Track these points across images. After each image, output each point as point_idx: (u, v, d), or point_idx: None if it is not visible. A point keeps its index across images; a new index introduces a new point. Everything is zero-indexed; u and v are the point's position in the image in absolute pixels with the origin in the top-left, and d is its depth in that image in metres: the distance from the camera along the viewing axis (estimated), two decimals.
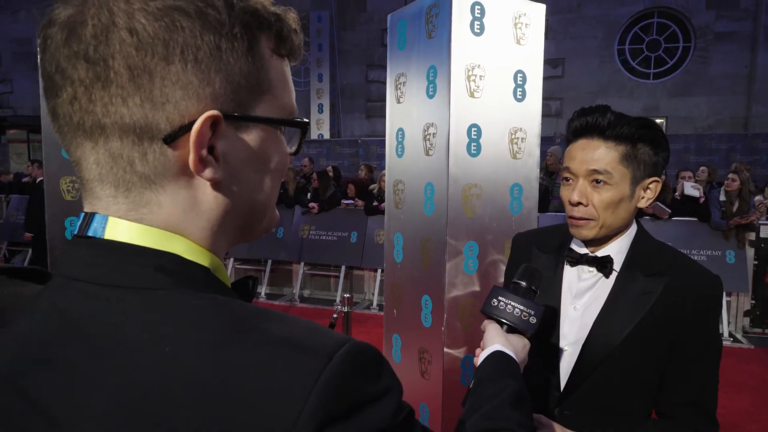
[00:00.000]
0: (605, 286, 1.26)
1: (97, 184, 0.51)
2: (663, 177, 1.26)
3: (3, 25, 15.35)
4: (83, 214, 0.53)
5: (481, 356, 1.01)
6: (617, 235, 1.27)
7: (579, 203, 1.20)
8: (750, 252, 5.97)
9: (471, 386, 0.96)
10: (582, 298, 1.28)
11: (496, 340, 1.01)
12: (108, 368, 0.45)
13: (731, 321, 6.05)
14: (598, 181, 1.18)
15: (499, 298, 1.06)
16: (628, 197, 1.20)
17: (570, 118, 1.25)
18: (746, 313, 6.07)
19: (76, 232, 0.53)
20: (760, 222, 5.89)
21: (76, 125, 0.49)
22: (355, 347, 0.46)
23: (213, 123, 0.49)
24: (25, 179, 8.86)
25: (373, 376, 0.47)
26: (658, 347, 1.21)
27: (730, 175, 6.00)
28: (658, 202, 5.86)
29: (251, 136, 0.53)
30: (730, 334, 5.87)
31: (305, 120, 0.58)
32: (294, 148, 0.59)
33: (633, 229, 1.29)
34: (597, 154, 1.18)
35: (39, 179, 6.81)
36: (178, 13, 0.47)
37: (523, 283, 1.09)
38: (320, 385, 0.42)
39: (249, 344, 0.44)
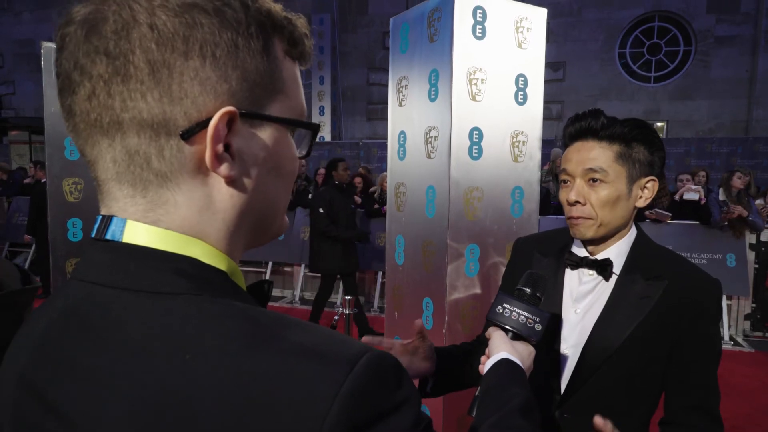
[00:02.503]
0: (605, 289, 1.27)
1: (115, 184, 0.51)
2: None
3: (5, 26, 15.39)
4: (100, 217, 0.53)
5: (487, 364, 1.00)
6: (617, 237, 1.27)
7: (576, 202, 1.22)
8: (750, 255, 5.98)
9: (478, 394, 0.95)
10: (582, 301, 1.29)
11: (502, 348, 1.01)
12: (127, 374, 0.44)
13: (732, 325, 6.05)
14: (594, 180, 1.20)
15: (504, 305, 1.06)
16: (625, 195, 1.21)
17: (565, 125, 1.28)
18: (747, 317, 6.08)
19: (93, 236, 0.52)
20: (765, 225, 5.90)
21: (93, 122, 0.49)
22: (376, 356, 0.45)
23: (229, 120, 0.49)
24: (26, 180, 8.87)
25: (393, 385, 0.46)
26: (657, 350, 1.21)
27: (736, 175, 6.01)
28: (657, 209, 5.86)
29: (265, 135, 0.53)
30: (731, 338, 5.87)
31: (317, 123, 0.59)
32: (304, 152, 0.59)
33: (633, 233, 1.30)
34: (592, 154, 1.20)
35: (43, 180, 6.82)
36: (197, 11, 0.48)
37: (528, 290, 1.09)
38: (342, 395, 0.42)
39: (270, 352, 0.44)
